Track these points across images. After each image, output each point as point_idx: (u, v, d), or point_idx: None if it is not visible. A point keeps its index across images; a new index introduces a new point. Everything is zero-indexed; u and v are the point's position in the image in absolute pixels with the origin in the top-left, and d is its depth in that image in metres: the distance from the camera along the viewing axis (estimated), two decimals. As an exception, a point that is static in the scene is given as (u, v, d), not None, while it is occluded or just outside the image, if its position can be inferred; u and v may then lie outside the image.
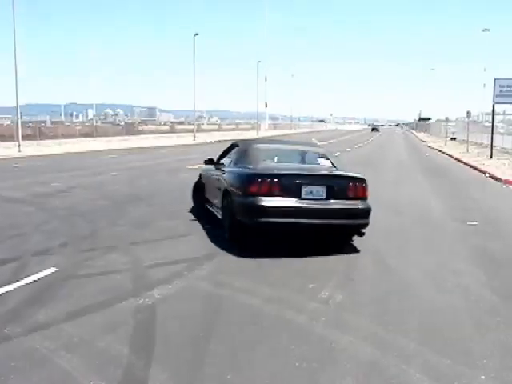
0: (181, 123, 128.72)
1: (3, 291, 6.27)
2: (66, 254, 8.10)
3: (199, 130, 78.24)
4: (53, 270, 7.15)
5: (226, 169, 10.02)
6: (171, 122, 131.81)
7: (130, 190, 15.89)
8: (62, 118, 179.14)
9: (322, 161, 10.06)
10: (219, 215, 9.78)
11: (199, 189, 12.21)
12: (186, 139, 61.04)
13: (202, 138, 63.62)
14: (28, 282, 6.65)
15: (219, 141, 51.84)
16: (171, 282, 6.76)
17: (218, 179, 10.14)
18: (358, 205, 8.56)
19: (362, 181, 8.79)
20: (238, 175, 9.17)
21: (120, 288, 6.49)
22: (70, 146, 42.80)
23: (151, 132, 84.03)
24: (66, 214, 11.66)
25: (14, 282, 6.58)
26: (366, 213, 8.62)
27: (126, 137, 68.07)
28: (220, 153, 11.53)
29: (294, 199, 8.24)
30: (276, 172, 8.61)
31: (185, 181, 17.54)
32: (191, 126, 80.00)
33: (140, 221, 10.92)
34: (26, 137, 42.82)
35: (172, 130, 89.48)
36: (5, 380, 4.28)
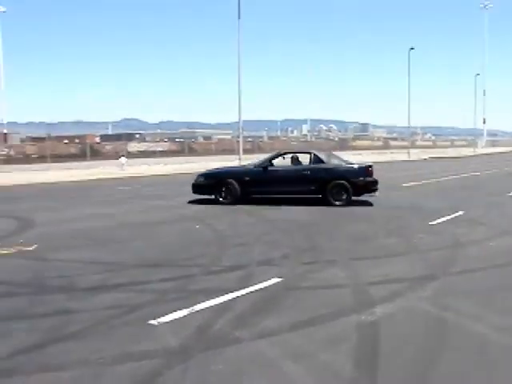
0: (394, 139, 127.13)
1: (233, 296, 6.63)
2: (288, 266, 8.36)
3: (413, 147, 76.59)
4: (277, 280, 7.41)
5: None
6: (384, 138, 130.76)
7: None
8: (278, 133, 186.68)
9: None
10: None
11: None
12: (400, 156, 60.04)
13: (416, 154, 62.15)
14: (254, 289, 6.95)
15: (435, 158, 50.25)
16: (392, 301, 6.63)
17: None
18: None
19: None
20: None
21: (341, 302, 6.51)
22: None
23: (364, 148, 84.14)
24: (284, 226, 12.08)
25: (242, 289, 6.93)
26: None
27: (339, 152, 68.65)
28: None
29: None
30: None
31: (400, 198, 17.29)
32: (405, 143, 78.60)
33: (358, 237, 10.94)
34: (245, 151, 45.21)
35: (385, 146, 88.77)
36: (236, 379, 4.51)
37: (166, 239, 10.87)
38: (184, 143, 64.81)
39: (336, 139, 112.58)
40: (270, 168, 16.91)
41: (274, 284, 7.24)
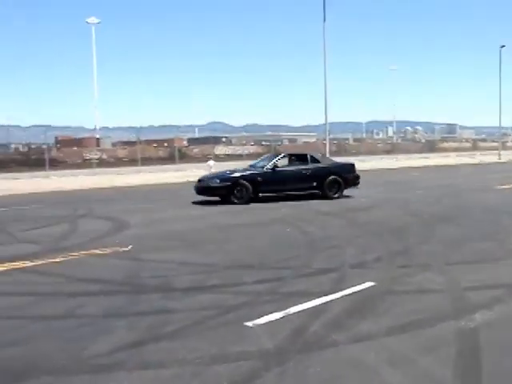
0: (483, 140, 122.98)
1: (327, 300, 6.59)
2: (382, 269, 8.23)
3: (504, 148, 73.82)
4: (370, 283, 7.30)
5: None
6: (473, 139, 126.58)
7: (436, 208, 15.66)
8: (363, 135, 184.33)
9: None
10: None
11: None
12: (490, 157, 58.00)
13: (507, 156, 59.81)
14: (348, 293, 6.87)
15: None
16: (492, 308, 6.38)
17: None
18: None
19: None
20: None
21: (439, 308, 6.33)
22: (373, 163, 43.69)
23: (452, 150, 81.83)
24: (375, 229, 11.91)
25: (336, 292, 6.87)
26: None
27: (426, 154, 67.23)
28: None
29: None
30: None
31: (493, 200, 16.71)
32: (495, 144, 75.84)
33: (451, 240, 10.62)
34: (331, 153, 44.93)
35: (474, 148, 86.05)
36: (334, 383, 4.48)
37: (256, 241, 10.94)
38: (270, 146, 65.11)
39: (423, 141, 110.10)
40: (276, 169, 19.02)
41: (367, 288, 7.13)
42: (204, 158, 47.27)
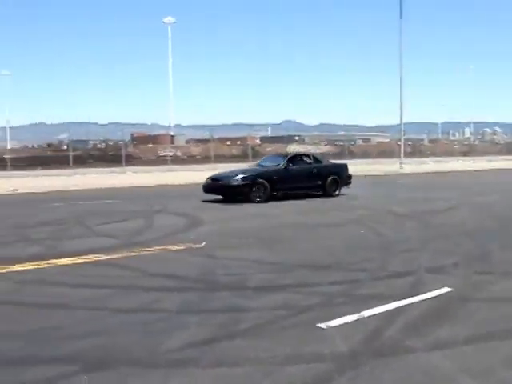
0: None
1: (403, 304, 6.43)
2: (459, 275, 7.97)
3: None
4: (447, 289, 7.08)
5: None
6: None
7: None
8: (439, 136, 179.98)
9: None
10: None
11: None
12: None
13: None
14: (424, 298, 6.69)
15: None
16: None
17: None
18: None
19: None
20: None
21: (521, 318, 6.08)
22: (449, 165, 42.65)
23: (534, 152, 78.73)
24: (452, 232, 11.59)
25: (412, 297, 6.70)
26: None
27: (506, 156, 65.00)
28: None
29: None
30: None
31: None
32: None
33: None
34: (406, 154, 44.15)
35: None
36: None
37: (330, 242, 10.84)
38: (343, 146, 64.57)
39: (502, 142, 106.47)
40: (289, 167, 19.72)
41: (444, 293, 6.92)
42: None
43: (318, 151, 58.39)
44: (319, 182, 20.21)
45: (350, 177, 21.54)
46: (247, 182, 18.50)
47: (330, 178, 20.33)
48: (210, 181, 19.47)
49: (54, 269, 8.59)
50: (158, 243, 10.51)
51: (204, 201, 18.76)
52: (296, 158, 20.81)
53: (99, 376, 4.62)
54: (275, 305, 6.52)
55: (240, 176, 18.83)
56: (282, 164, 19.76)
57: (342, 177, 20.99)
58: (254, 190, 18.36)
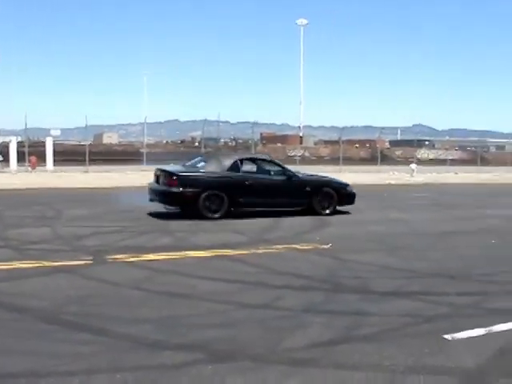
0: None
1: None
2: None
3: None
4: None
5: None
6: None
7: None
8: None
9: None
10: None
11: None
12: None
13: None
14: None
15: None
16: None
17: None
18: None
19: None
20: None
21: None
22: None
23: None
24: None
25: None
26: None
27: None
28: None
29: None
30: None
31: None
32: None
33: None
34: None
35: None
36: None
37: (462, 251, 10.46)
38: (475, 152, 61.89)
39: None
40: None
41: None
42: (406, 161, 46.26)
43: (449, 157, 56.44)
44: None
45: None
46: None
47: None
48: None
49: (185, 260, 9.00)
50: (285, 241, 10.68)
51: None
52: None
53: (220, 367, 4.75)
54: (400, 311, 6.37)
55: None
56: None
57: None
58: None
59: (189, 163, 15.75)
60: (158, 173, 14.95)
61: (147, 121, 48.82)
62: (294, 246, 10.30)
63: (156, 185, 14.87)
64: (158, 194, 14.56)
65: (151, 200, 14.78)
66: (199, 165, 15.12)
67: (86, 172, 33.16)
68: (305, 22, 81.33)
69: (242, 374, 4.63)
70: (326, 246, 10.32)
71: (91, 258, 8.96)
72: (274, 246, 10.18)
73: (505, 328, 5.85)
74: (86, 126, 39.46)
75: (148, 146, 52.29)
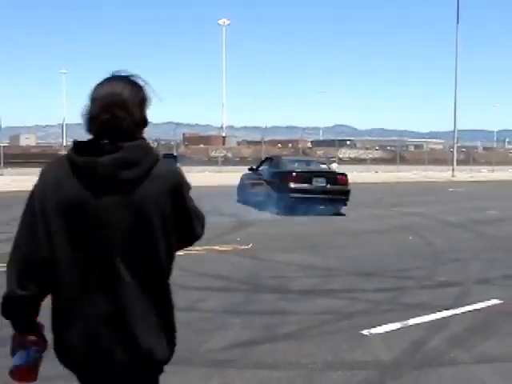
0: None
1: (448, 314, 6.33)
2: (509, 287, 7.79)
3: None
4: (495, 301, 6.93)
5: None
6: None
7: None
8: (494, 144, 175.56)
9: None
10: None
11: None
12: None
13: None
14: (470, 309, 6.57)
15: None
16: None
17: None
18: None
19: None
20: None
21: None
22: (500, 174, 41.68)
23: None
24: (504, 244, 11.33)
25: (457, 308, 6.58)
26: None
27: None
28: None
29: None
30: None
31: None
32: None
33: None
34: (459, 162, 43.36)
35: None
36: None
37: (380, 248, 10.75)
38: (395, 152, 63.69)
39: None
40: None
41: (491, 306, 6.77)
42: (327, 161, 47.01)
43: (369, 156, 57.87)
44: None
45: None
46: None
47: None
48: None
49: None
50: (205, 243, 10.60)
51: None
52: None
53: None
54: (319, 309, 6.50)
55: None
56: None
57: None
58: None
59: None
60: None
61: (67, 122, 47.48)
62: (214, 247, 10.26)
63: None
64: None
65: None
66: None
67: (1, 175, 31.96)
68: (227, 22, 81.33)
69: (163, 378, 4.55)
70: (246, 247, 10.34)
71: None
72: (194, 248, 10.07)
73: (419, 321, 6.05)
74: (0, 127, 37.98)
75: (67, 147, 50.79)
